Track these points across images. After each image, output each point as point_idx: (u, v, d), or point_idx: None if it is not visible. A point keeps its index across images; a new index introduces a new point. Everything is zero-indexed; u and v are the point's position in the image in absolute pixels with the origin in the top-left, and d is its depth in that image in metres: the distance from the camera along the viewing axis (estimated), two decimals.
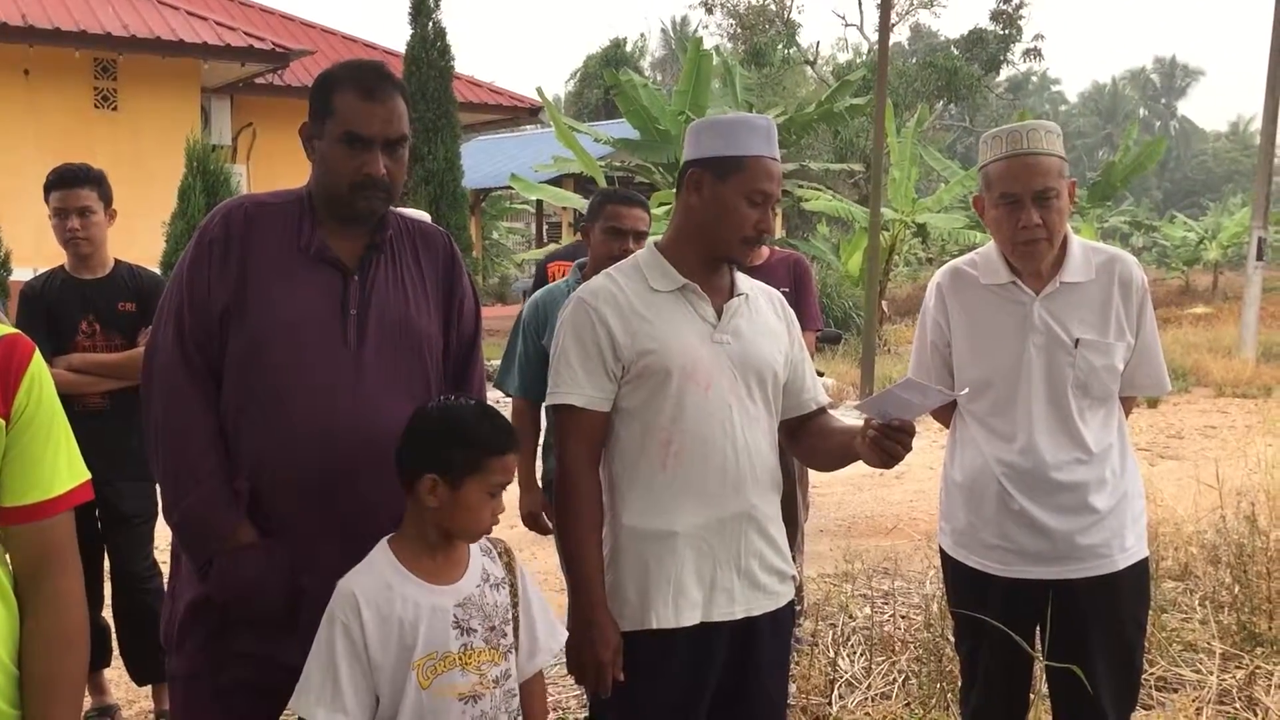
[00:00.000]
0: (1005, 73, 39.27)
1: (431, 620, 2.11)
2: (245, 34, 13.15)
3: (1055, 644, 2.84)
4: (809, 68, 35.69)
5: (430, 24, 12.18)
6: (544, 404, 2.54)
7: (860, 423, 2.43)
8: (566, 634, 2.38)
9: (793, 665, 4.29)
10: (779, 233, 25.06)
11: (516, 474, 2.27)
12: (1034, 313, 2.82)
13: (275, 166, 15.31)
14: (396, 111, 2.35)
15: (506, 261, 31.08)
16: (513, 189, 20.54)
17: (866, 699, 4.19)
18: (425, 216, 5.37)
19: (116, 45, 12.60)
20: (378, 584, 2.12)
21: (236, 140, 15.23)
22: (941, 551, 3.07)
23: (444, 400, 2.26)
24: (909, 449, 2.35)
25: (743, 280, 2.59)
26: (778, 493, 2.59)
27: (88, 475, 1.73)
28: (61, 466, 1.68)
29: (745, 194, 2.43)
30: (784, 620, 2.61)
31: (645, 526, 2.44)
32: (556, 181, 21.91)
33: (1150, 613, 4.47)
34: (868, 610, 5.04)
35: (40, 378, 1.66)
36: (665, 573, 2.43)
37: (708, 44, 24.70)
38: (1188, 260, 32.96)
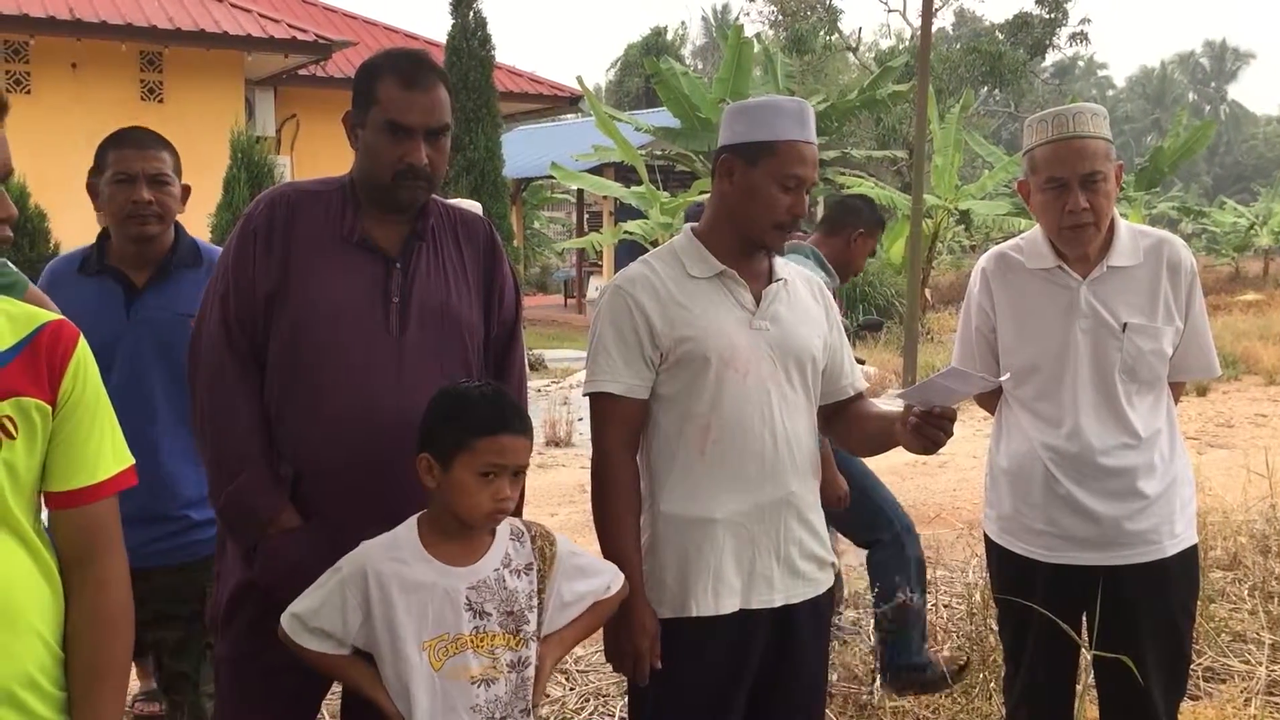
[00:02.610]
0: (1051, 58, 38.80)
1: (442, 601, 2.11)
2: (288, 26, 13.24)
3: (1103, 632, 2.81)
4: (851, 54, 35.43)
5: (471, 14, 12.20)
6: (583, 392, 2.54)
7: (899, 408, 2.42)
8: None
9: (834, 654, 4.29)
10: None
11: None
12: (1080, 297, 2.78)
13: (319, 157, 15.41)
14: (439, 100, 2.35)
15: (548, 251, 31.14)
16: (553, 178, 20.61)
17: None
18: (477, 208, 5.40)
19: (162, 38, 12.72)
20: (392, 556, 2.13)
21: (280, 131, 15.36)
22: (986, 539, 3.04)
23: (460, 382, 2.25)
24: (950, 435, 2.34)
25: (781, 265, 2.57)
26: (818, 479, 2.58)
27: (132, 460, 1.74)
28: (106, 452, 1.69)
29: (777, 178, 2.41)
30: (824, 607, 2.59)
31: (684, 513, 2.44)
32: (597, 171, 21.92)
33: (1199, 602, 4.46)
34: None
35: (86, 363, 1.67)
36: (705, 560, 2.42)
37: (749, 31, 24.62)
38: (1238, 246, 32.43)
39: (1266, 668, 4.11)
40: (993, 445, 3.00)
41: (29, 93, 12.66)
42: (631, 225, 17.01)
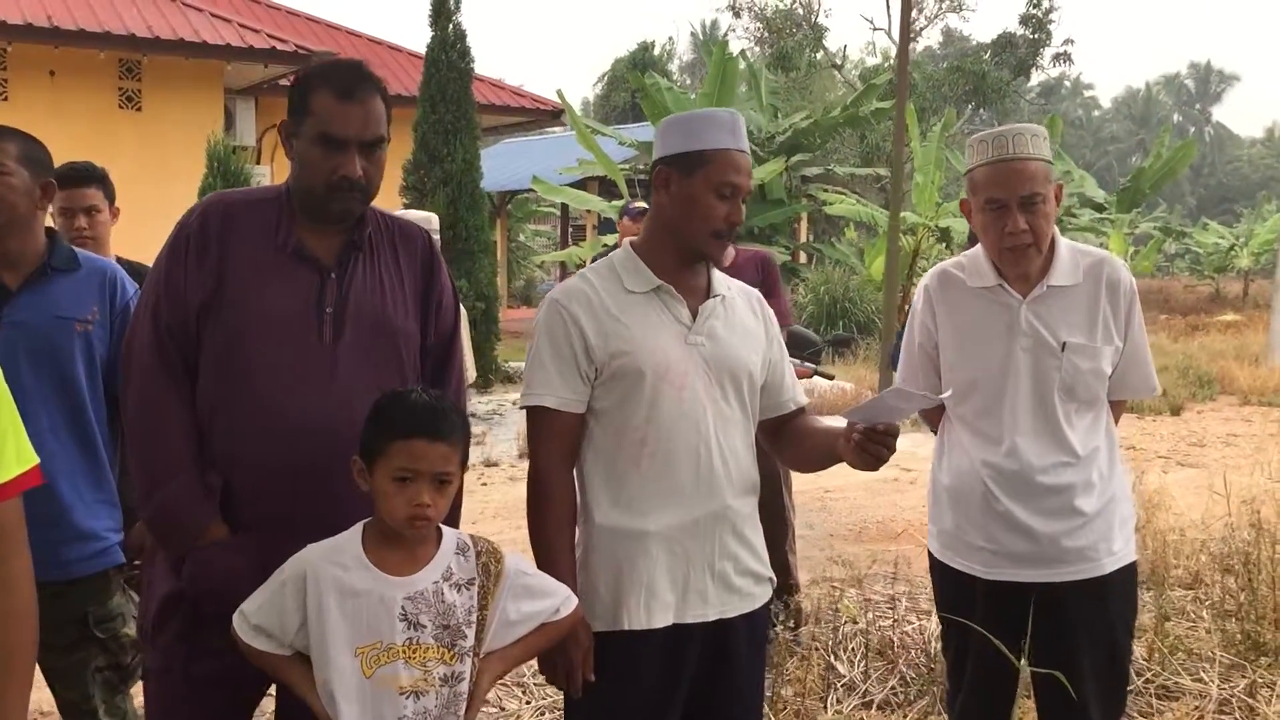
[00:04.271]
0: (1037, 78, 38.95)
1: (375, 609, 2.10)
2: (268, 36, 13.23)
3: (1041, 648, 2.81)
4: (837, 72, 35.56)
5: (450, 26, 12.19)
6: (519, 405, 2.54)
7: (841, 423, 2.42)
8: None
9: (790, 668, 4.29)
10: (804, 237, 25.01)
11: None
12: (1021, 316, 2.80)
13: None
14: (374, 113, 2.35)
15: (532, 263, 31.15)
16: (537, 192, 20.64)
17: (862, 703, 4.16)
18: (433, 220, 5.40)
19: (141, 46, 12.68)
20: (333, 560, 2.13)
21: (261, 141, 15.34)
22: (930, 555, 3.05)
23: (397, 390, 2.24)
24: (893, 450, 2.35)
25: (720, 281, 2.58)
26: (754, 495, 2.58)
27: (36, 460, 1.73)
28: (9, 453, 1.69)
29: (713, 187, 2.42)
30: (760, 622, 2.60)
31: (618, 526, 2.43)
32: (581, 184, 21.96)
33: (1155, 620, 4.47)
34: (871, 615, 5.01)
35: None
36: (638, 573, 2.42)
37: (736, 48, 24.69)
38: (1218, 267, 32.64)
39: (1218, 686, 4.12)
40: (935, 462, 3.01)
41: (6, 100, 12.61)
42: (610, 238, 17.02)
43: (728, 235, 2.48)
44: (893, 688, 4.25)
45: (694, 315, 2.49)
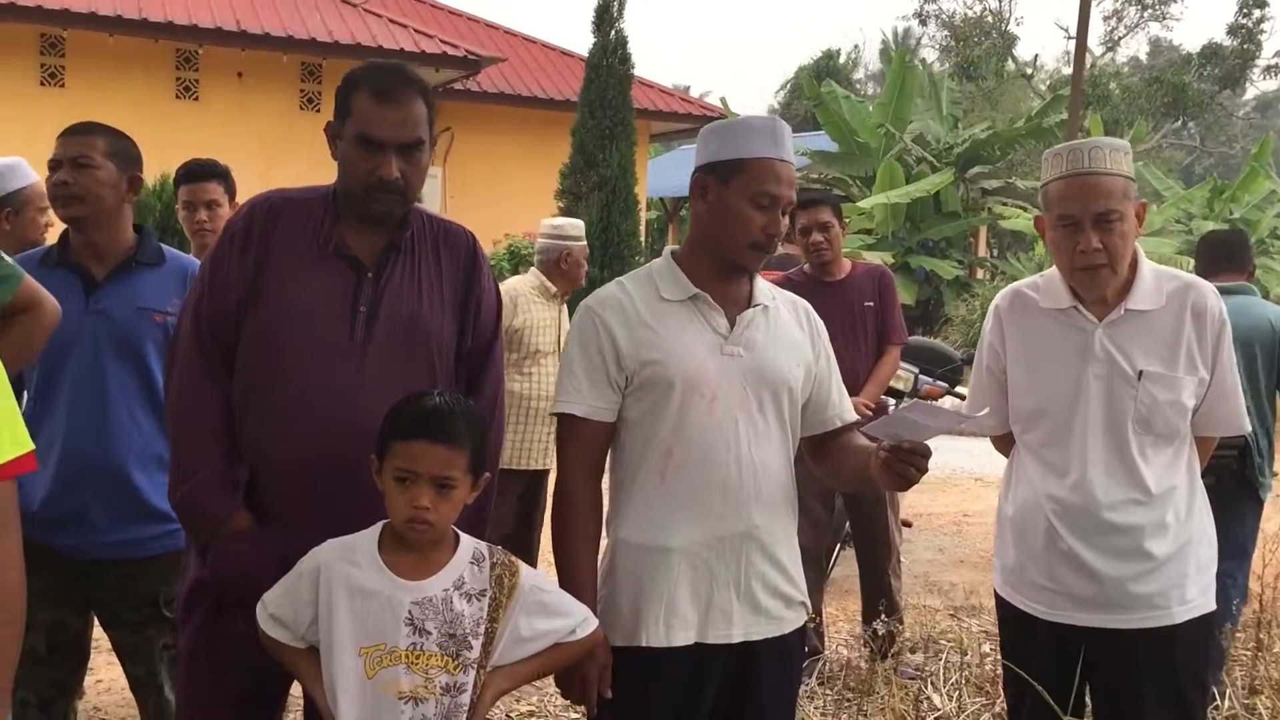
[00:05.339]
0: (1252, 91, 36.87)
1: (382, 610, 2.10)
2: (440, 41, 13.62)
3: (1105, 700, 2.64)
4: (1027, 82, 34.43)
5: (613, 32, 12.31)
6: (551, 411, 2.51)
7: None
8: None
9: (884, 696, 4.15)
10: (983, 252, 24.26)
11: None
12: (1095, 341, 2.62)
13: (470, 167, 15.83)
14: (412, 115, 2.36)
15: None
16: None
17: None
18: (579, 226, 5.43)
19: (321, 50, 13.26)
20: (347, 558, 2.14)
21: (435, 143, 15.81)
22: (995, 592, 2.89)
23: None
24: (924, 470, 2.24)
25: (765, 291, 2.50)
26: (789, 512, 2.48)
27: (31, 446, 1.79)
28: (4, 438, 1.75)
29: (749, 196, 2.34)
30: (790, 647, 2.49)
31: (641, 540, 2.38)
32: None
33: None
34: (988, 647, 4.81)
35: None
36: (658, 589, 2.36)
37: (926, 57, 24.14)
38: None
39: None
40: (1002, 492, 2.86)
41: (196, 99, 13.36)
42: None
43: (766, 247, 2.40)
44: None
45: (732, 325, 2.42)
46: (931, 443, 2.23)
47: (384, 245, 2.43)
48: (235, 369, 2.39)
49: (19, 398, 2.81)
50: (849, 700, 4.42)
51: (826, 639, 5.00)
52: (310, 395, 2.32)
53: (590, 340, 2.40)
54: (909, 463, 2.22)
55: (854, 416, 2.60)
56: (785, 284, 4.95)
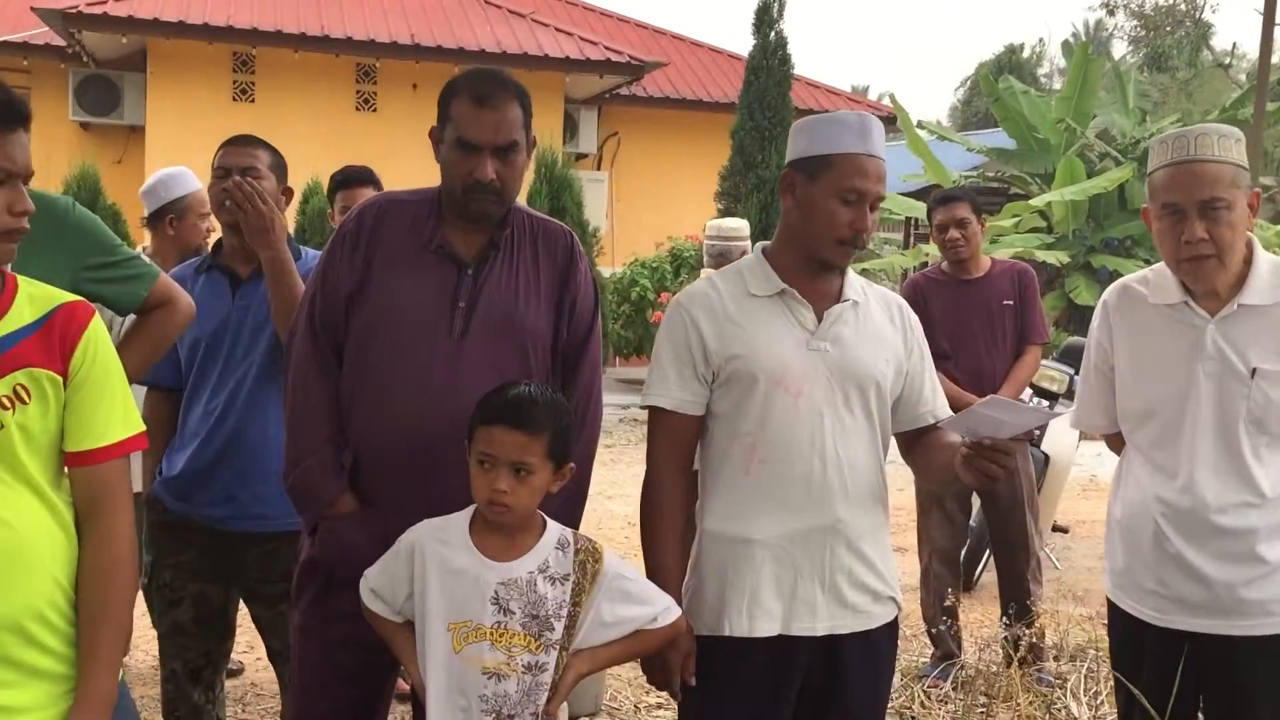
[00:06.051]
0: None
1: (470, 588, 2.20)
2: (605, 48, 13.85)
3: (1216, 710, 2.54)
4: (1224, 72, 32.70)
5: (772, 33, 12.31)
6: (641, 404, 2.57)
7: None
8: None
9: (1022, 703, 4.06)
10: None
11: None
12: (1207, 337, 2.53)
13: (636, 171, 16.06)
14: (508, 119, 2.46)
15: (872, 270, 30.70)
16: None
17: None
18: (744, 226, 5.47)
19: (490, 60, 13.58)
20: (439, 538, 2.26)
21: (602, 148, 16.08)
22: (1106, 595, 2.81)
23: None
24: (1007, 468, 2.23)
25: (856, 286, 2.50)
26: (877, 507, 2.48)
27: (142, 427, 1.96)
28: (116, 419, 1.92)
29: (836, 192, 2.36)
30: (878, 643, 2.49)
31: (725, 532, 2.42)
32: (927, 191, 21.42)
33: None
34: None
35: (97, 340, 1.90)
36: (742, 581, 2.39)
37: (1117, 50, 23.20)
38: None
39: None
40: (1111, 492, 2.78)
41: (375, 110, 13.93)
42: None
43: (854, 243, 2.40)
44: None
45: (820, 320, 2.43)
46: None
47: (484, 244, 2.53)
48: (344, 362, 2.54)
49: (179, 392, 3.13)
50: (980, 706, 4.34)
51: (964, 643, 4.91)
52: (410, 387, 2.44)
53: (678, 335, 2.45)
54: (990, 459, 2.20)
55: (948, 413, 2.57)
56: (923, 282, 4.90)
